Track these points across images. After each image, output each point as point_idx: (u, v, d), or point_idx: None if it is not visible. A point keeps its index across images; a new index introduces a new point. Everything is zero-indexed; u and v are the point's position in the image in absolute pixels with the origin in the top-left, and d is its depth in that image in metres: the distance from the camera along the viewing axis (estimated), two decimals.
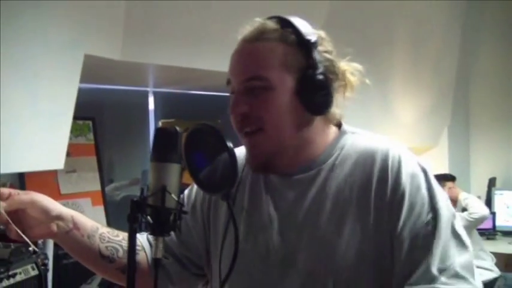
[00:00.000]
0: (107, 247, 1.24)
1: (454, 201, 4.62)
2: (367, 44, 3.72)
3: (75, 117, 3.21)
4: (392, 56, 4.36)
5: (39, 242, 2.80)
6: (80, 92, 2.42)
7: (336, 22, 3.27)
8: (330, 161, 1.18)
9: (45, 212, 1.16)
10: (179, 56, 2.90)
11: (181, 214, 1.02)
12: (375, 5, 3.83)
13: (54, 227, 1.18)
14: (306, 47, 1.14)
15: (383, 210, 1.10)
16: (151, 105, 4.16)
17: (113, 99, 4.11)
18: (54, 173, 3.07)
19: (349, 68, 1.20)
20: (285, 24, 1.16)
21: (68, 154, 2.61)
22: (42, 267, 2.92)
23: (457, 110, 5.54)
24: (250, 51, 1.16)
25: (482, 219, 4.48)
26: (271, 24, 1.17)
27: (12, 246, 2.03)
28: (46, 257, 2.96)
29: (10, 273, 2.00)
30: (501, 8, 5.50)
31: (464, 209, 4.51)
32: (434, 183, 1.14)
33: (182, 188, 1.07)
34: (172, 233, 1.29)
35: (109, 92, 3.87)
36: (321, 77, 1.13)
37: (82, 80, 2.43)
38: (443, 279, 1.05)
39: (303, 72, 1.13)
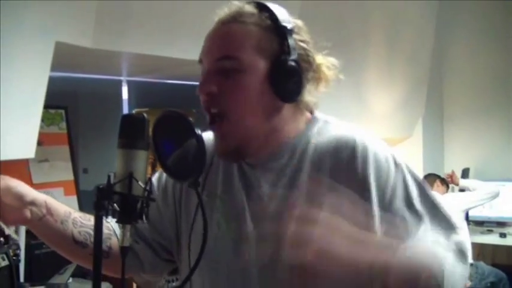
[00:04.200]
0: (80, 232, 1.22)
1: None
2: (341, 36, 3.73)
3: (48, 106, 3.18)
4: (367, 47, 4.37)
5: (9, 231, 2.77)
6: (52, 80, 2.38)
7: (310, 13, 3.26)
8: (300, 148, 1.18)
9: (19, 197, 1.14)
10: (153, 44, 2.86)
11: (149, 201, 1.00)
12: None
13: (28, 213, 1.16)
14: (281, 33, 1.13)
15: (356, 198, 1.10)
16: (125, 94, 4.12)
17: (87, 89, 4.06)
18: (25, 162, 3.03)
19: (325, 62, 1.20)
20: (263, 9, 1.16)
21: (40, 143, 2.58)
22: (14, 257, 2.88)
23: (431, 101, 5.58)
24: (224, 32, 1.15)
25: (496, 195, 4.71)
26: (249, 8, 1.16)
27: None
28: (18, 247, 2.92)
29: None
30: (475, 1, 5.55)
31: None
32: (408, 172, 1.16)
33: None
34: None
35: (82, 80, 3.82)
36: (293, 63, 1.12)
37: (53, 68, 2.39)
38: None
39: (275, 57, 1.12)
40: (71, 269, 2.81)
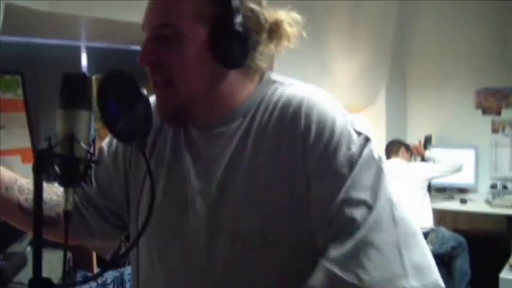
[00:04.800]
0: (26, 199, 1.19)
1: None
2: (304, 2, 3.68)
3: (3, 72, 3.08)
4: (330, 14, 4.34)
5: None
6: (9, 45, 2.29)
7: None
8: (250, 113, 1.14)
9: None
10: (113, 7, 2.78)
11: (92, 163, 0.97)
12: None
13: None
14: None
15: (296, 157, 1.06)
16: (84, 61, 4.02)
17: (46, 54, 3.95)
18: None
19: (287, 18, 1.15)
20: None
21: None
22: None
23: (395, 69, 5.61)
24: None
25: (459, 169, 4.83)
26: None
27: None
28: None
29: None
30: None
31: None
32: (352, 128, 1.08)
33: None
34: (93, 182, 1.26)
35: (40, 46, 3.71)
36: (236, 27, 1.06)
37: (8, 32, 2.31)
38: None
39: (216, 22, 1.07)
40: (29, 237, 2.76)
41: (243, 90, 1.15)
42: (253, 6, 1.10)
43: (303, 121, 1.07)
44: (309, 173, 1.05)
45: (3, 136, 3.13)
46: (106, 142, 1.30)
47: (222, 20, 1.06)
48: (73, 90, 0.96)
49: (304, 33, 1.17)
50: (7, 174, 1.19)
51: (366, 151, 1.06)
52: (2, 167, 1.19)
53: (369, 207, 1.01)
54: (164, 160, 1.19)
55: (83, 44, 3.97)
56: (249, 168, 1.09)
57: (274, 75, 1.20)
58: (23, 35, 3.34)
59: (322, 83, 4.25)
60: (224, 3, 1.06)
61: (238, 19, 1.06)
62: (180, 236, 1.14)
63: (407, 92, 6.00)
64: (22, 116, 3.27)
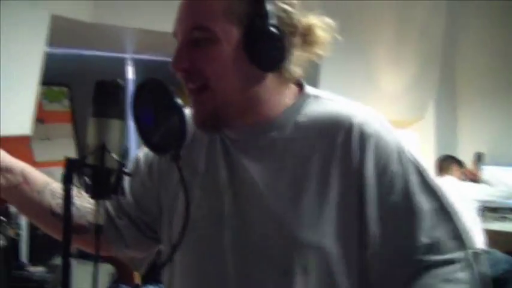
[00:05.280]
0: (58, 204, 1.15)
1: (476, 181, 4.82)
2: (351, 14, 3.62)
3: (50, 83, 3.12)
4: (376, 25, 4.26)
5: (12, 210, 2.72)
6: (55, 57, 2.31)
7: None
8: (289, 127, 1.08)
9: None
10: (160, 19, 2.77)
11: (124, 175, 0.92)
12: None
13: (2, 180, 1.10)
14: None
15: (349, 188, 1.03)
16: (130, 73, 4.05)
17: (92, 66, 4.00)
18: (27, 139, 2.98)
19: (319, 22, 1.08)
20: None
21: (42, 121, 2.53)
22: (15, 237, 2.84)
23: (444, 82, 5.45)
24: (192, 1, 1.05)
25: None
26: None
27: None
28: (18, 227, 2.88)
29: None
30: None
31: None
32: (410, 155, 1.06)
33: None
34: (127, 194, 1.22)
35: (87, 58, 3.76)
36: (270, 27, 1.01)
37: (55, 44, 2.32)
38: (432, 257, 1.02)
39: (250, 22, 1.01)
40: (74, 249, 2.77)
41: (279, 98, 1.09)
42: (286, 7, 1.04)
43: (357, 153, 1.03)
44: (367, 212, 1.03)
45: (49, 147, 3.17)
46: (143, 152, 1.26)
47: (255, 19, 1.01)
48: (105, 98, 0.92)
49: (346, 41, 1.11)
50: (40, 177, 1.17)
51: (430, 182, 1.06)
52: (35, 170, 1.17)
53: (455, 247, 1.03)
54: (199, 171, 1.14)
55: (129, 56, 4.00)
56: (289, 191, 1.05)
57: (311, 89, 1.14)
58: (69, 47, 3.39)
59: (367, 95, 4.17)
60: (257, 1, 1.02)
61: (273, 19, 1.01)
62: (213, 250, 1.09)
63: (458, 105, 5.81)
64: (68, 127, 3.31)
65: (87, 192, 0.92)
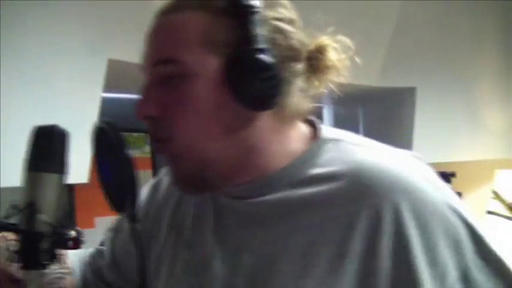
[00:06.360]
0: None
1: None
2: (449, 41, 3.30)
3: (130, 130, 3.10)
4: (479, 56, 3.89)
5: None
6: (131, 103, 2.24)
7: (410, 21, 2.90)
8: (298, 181, 0.83)
9: None
10: None
11: (59, 240, 0.76)
12: None
13: None
14: (238, 14, 0.77)
15: (374, 277, 0.75)
16: None
17: None
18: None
19: (332, 42, 0.84)
20: None
21: None
22: None
23: None
24: (159, 27, 0.83)
25: None
26: None
27: None
28: None
29: None
30: None
31: None
32: (480, 234, 0.78)
33: None
34: (107, 254, 1.07)
35: None
36: (258, 54, 0.77)
37: (123, 90, 2.26)
38: None
39: (233, 49, 0.77)
40: None
41: (282, 144, 0.84)
42: (283, 25, 0.81)
43: (386, 237, 0.75)
44: None
45: None
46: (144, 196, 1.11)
47: (240, 45, 0.77)
48: (40, 149, 0.77)
49: (357, 60, 0.84)
50: None
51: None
52: None
53: None
54: (183, 235, 0.94)
55: None
56: (295, 268, 0.79)
57: (329, 129, 0.90)
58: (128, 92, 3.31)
59: (471, 133, 3.79)
60: (242, 22, 0.78)
61: (262, 43, 0.77)
62: None
63: None
64: (147, 173, 3.27)
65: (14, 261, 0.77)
